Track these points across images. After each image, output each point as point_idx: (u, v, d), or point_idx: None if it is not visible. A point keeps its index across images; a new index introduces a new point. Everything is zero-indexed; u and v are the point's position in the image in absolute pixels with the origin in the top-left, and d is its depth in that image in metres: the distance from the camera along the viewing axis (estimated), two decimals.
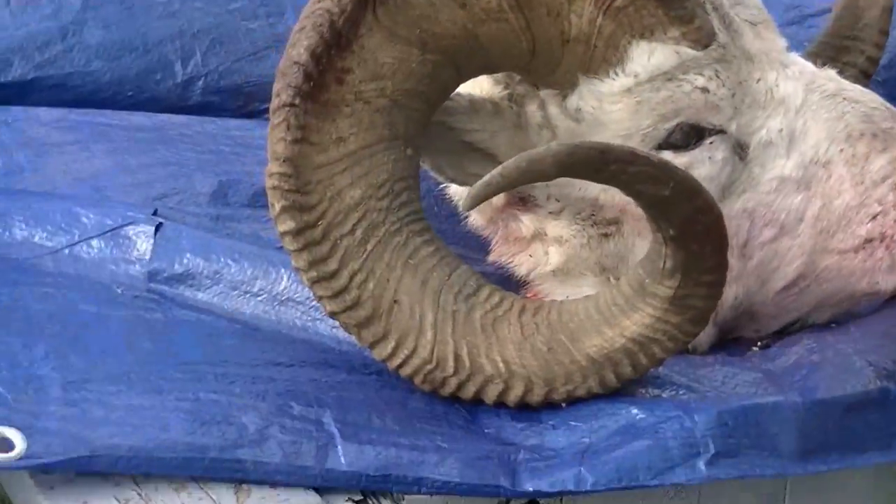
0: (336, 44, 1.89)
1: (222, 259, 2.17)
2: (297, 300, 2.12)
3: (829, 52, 2.51)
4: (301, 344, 2.08)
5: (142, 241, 2.20)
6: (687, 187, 1.82)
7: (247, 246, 2.19)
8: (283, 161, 1.90)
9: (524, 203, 2.22)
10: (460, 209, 2.21)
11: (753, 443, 1.87)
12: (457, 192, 2.35)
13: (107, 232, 2.20)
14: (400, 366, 1.94)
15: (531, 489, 1.86)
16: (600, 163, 1.79)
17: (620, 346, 1.93)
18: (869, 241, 2.12)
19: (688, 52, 2.05)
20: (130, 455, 1.77)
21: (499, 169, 1.79)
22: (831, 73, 2.22)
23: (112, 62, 2.76)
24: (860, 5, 2.55)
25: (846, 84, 2.20)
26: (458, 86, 2.04)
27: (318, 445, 1.84)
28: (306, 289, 1.99)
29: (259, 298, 2.14)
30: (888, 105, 2.17)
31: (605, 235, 2.17)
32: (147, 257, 2.19)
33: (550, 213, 2.20)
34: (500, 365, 1.93)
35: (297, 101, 1.89)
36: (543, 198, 2.20)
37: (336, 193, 1.92)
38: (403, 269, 1.94)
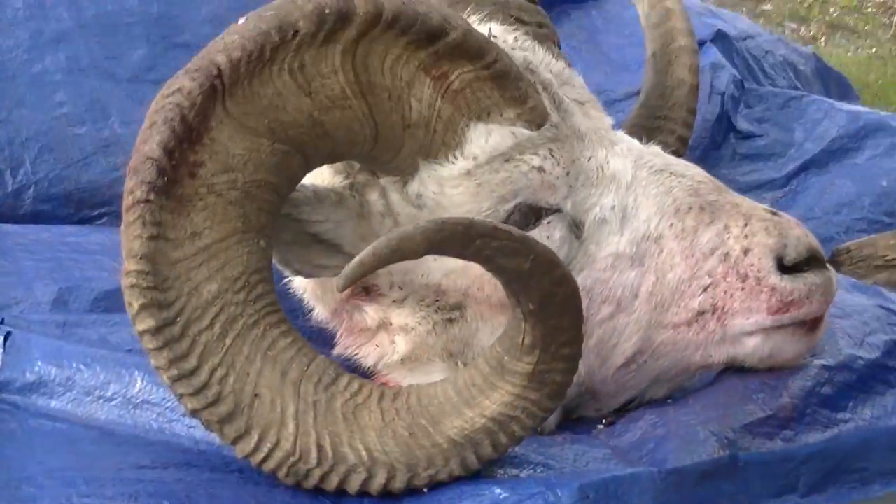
0: (187, 137, 1.90)
1: (74, 365, 2.14)
2: (153, 402, 2.11)
3: (640, 133, 2.58)
4: (160, 446, 2.06)
5: None
6: (546, 260, 1.87)
7: (97, 350, 2.16)
8: (140, 258, 1.89)
9: (368, 293, 2.24)
10: (306, 302, 2.21)
11: None
12: (301, 285, 2.36)
13: None
14: (263, 460, 1.93)
15: None
16: (466, 238, 1.82)
17: (481, 427, 1.95)
18: (701, 313, 2.16)
19: (523, 132, 2.11)
20: None
21: (370, 248, 1.81)
22: (656, 149, 2.30)
23: None
24: (668, 85, 2.67)
25: (671, 159, 2.27)
26: (305, 175, 2.06)
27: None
28: (161, 390, 1.98)
29: (113, 403, 2.11)
30: (712, 178, 2.24)
31: (450, 321, 2.20)
32: None
33: (394, 301, 2.22)
34: (363, 453, 1.93)
35: (151, 197, 1.89)
36: (387, 286, 2.22)
37: (193, 288, 1.91)
38: (263, 361, 1.94)
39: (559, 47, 2.46)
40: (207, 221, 1.93)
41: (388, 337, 2.25)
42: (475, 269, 2.12)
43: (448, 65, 2.04)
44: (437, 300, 2.20)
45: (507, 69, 2.08)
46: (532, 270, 1.86)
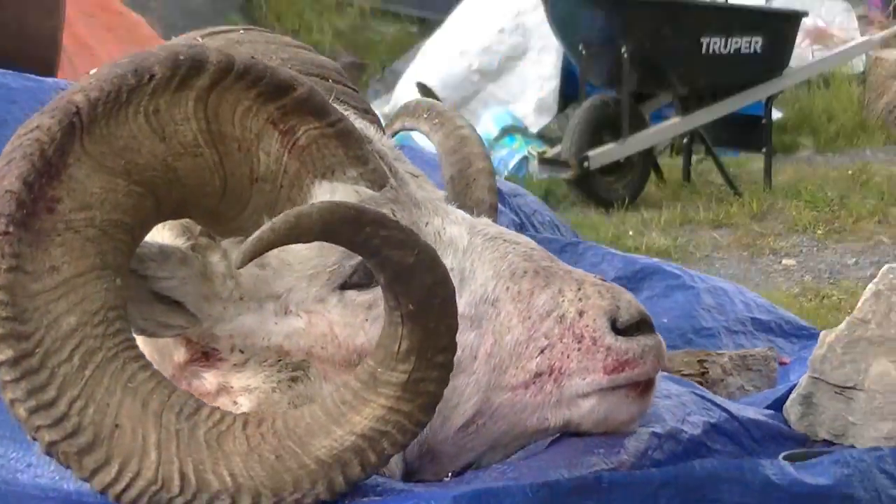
0: (46, 172, 1.93)
1: None
2: None
3: None
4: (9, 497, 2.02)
5: None
6: (429, 256, 1.94)
7: None
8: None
9: (207, 358, 2.24)
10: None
11: None
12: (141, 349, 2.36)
13: None
14: (124, 490, 1.92)
15: None
16: (357, 222, 1.88)
17: (350, 445, 1.97)
18: (539, 374, 2.21)
19: (366, 191, 2.18)
20: None
21: (269, 224, 1.86)
22: (487, 220, 2.40)
23: None
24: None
25: (503, 228, 2.37)
26: (157, 221, 2.10)
27: None
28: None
29: None
30: (542, 248, 2.34)
31: (293, 379, 2.21)
32: None
33: (235, 364, 2.23)
34: (227, 479, 1.94)
35: (10, 230, 1.91)
36: (227, 350, 2.23)
37: (53, 321, 1.92)
38: (123, 393, 1.94)
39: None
40: (66, 256, 1.95)
41: (230, 398, 2.24)
42: (317, 329, 2.20)
43: (295, 120, 2.11)
44: (280, 360, 2.22)
45: (350, 129, 2.18)
46: (416, 265, 1.92)
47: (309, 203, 2.16)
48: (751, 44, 11.27)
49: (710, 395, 2.57)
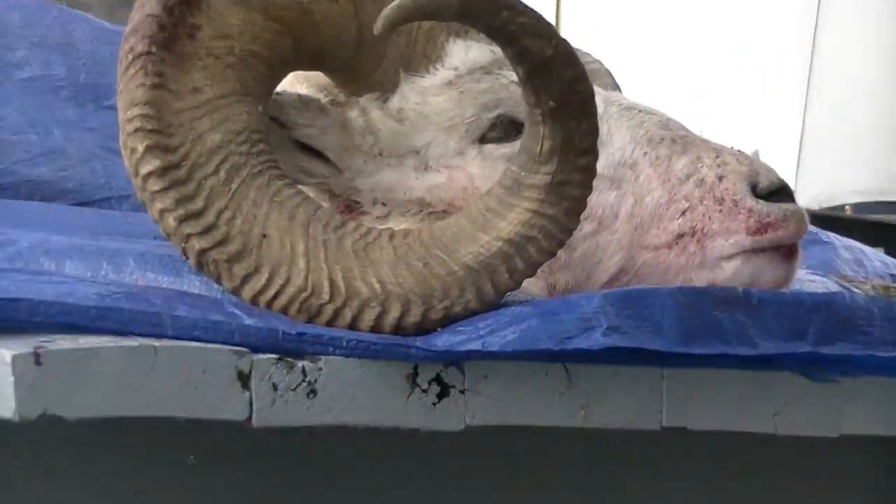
0: (186, 0, 1.97)
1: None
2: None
3: None
4: None
5: None
6: (567, 50, 1.90)
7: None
8: (144, 104, 1.91)
9: (350, 210, 2.24)
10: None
11: (638, 323, 1.90)
12: None
13: None
14: (274, 297, 1.89)
15: (441, 347, 1.83)
16: (495, 5, 1.85)
17: (497, 250, 1.93)
18: (681, 236, 2.18)
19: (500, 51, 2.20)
20: (51, 300, 1.69)
21: None
22: (620, 94, 2.40)
23: None
24: None
25: (637, 101, 2.36)
26: (295, 64, 2.10)
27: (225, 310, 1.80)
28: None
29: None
30: (677, 120, 2.33)
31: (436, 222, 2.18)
32: None
33: (377, 217, 2.22)
34: (376, 286, 1.90)
35: (153, 49, 1.93)
36: (370, 203, 2.23)
37: (197, 136, 1.93)
38: (269, 205, 1.93)
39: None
40: (207, 80, 1.96)
41: None
42: (458, 182, 2.20)
43: None
44: (422, 210, 2.22)
45: None
46: (554, 58, 1.89)
47: (444, 59, 2.18)
48: None
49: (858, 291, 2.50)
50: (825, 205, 12.75)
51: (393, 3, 1.85)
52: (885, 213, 12.38)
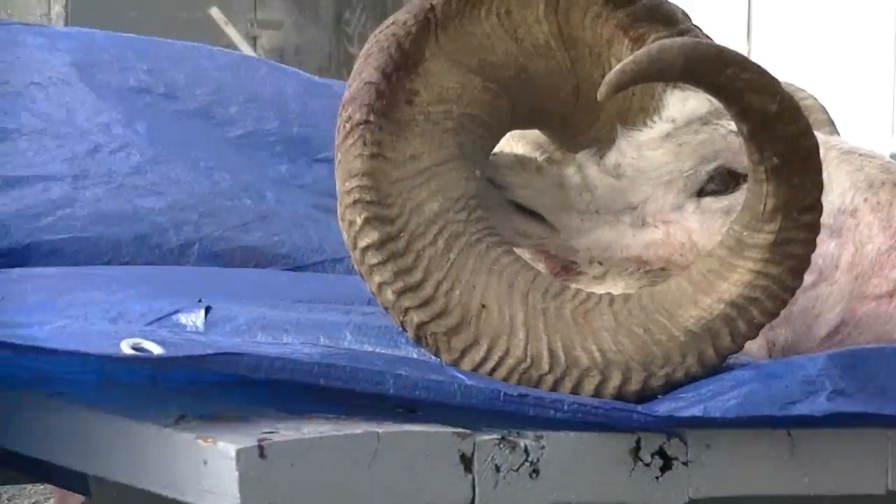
0: (404, 65, 1.96)
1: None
2: None
3: None
4: None
5: None
6: (792, 105, 1.86)
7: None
8: (363, 175, 1.91)
9: (567, 271, 2.22)
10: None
11: (862, 385, 1.87)
12: None
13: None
14: (494, 369, 1.88)
15: (662, 412, 1.81)
16: (720, 62, 1.82)
17: (719, 313, 1.89)
18: None
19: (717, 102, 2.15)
20: (275, 356, 1.69)
21: (631, 56, 1.83)
22: (840, 137, 2.35)
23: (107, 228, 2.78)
24: None
25: (857, 144, 2.31)
26: (511, 124, 2.09)
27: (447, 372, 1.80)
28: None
29: None
30: None
31: (654, 283, 2.15)
32: None
33: (594, 277, 2.20)
34: (596, 354, 1.88)
35: (371, 118, 1.93)
36: (586, 262, 2.20)
37: (415, 206, 1.92)
38: (488, 274, 1.91)
39: None
40: (425, 146, 1.95)
41: None
42: (676, 238, 2.16)
43: (645, 26, 2.11)
44: (639, 268, 2.19)
45: (700, 37, 2.16)
46: (779, 114, 1.85)
47: (661, 111, 2.14)
48: None
49: None
50: None
51: (616, 67, 1.83)
52: None
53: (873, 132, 12.14)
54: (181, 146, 2.94)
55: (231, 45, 11.36)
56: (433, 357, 1.90)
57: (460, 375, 1.81)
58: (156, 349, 1.67)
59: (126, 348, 1.69)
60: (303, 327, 2.01)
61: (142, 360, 1.69)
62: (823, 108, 2.78)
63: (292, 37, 13.05)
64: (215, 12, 12.12)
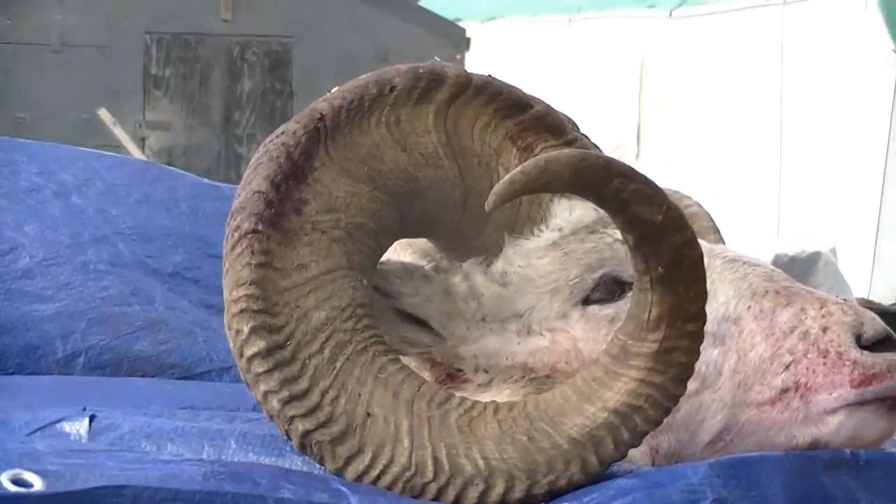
0: (293, 174, 1.97)
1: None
2: None
3: None
4: None
5: None
6: (677, 215, 1.89)
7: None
8: (250, 284, 1.92)
9: (452, 379, 2.22)
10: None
11: (745, 494, 1.88)
12: None
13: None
14: (378, 477, 1.89)
15: None
16: (606, 173, 1.85)
17: (603, 421, 1.91)
18: (784, 391, 2.14)
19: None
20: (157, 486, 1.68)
21: (519, 168, 1.85)
22: (725, 246, 2.38)
23: None
24: None
25: (741, 252, 2.33)
26: (400, 232, 2.11)
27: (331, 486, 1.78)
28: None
29: None
30: (781, 270, 2.30)
31: (540, 389, 2.16)
32: None
33: (479, 385, 2.20)
34: (480, 462, 1.89)
35: (259, 227, 1.94)
36: (472, 370, 2.21)
37: (303, 315, 1.93)
38: (374, 383, 1.93)
39: None
40: (313, 255, 1.97)
41: None
42: (561, 346, 2.18)
43: (533, 136, 2.15)
44: (524, 376, 2.19)
45: (587, 147, 2.20)
46: (664, 225, 1.88)
47: (548, 220, 2.17)
48: None
49: None
50: None
51: (505, 178, 1.86)
52: None
53: (759, 233, 12.39)
54: (71, 248, 2.92)
55: (120, 145, 11.35)
56: (318, 465, 1.90)
57: (345, 490, 1.81)
58: (37, 482, 1.65)
59: (6, 482, 1.68)
60: (187, 436, 2.00)
61: (22, 499, 1.68)
62: (709, 215, 2.82)
63: (181, 137, 13.09)
64: (104, 113, 12.11)
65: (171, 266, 2.99)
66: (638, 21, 15.09)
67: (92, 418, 2.04)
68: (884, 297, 11.88)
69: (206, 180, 3.32)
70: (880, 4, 12.96)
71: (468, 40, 13.26)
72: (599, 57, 15.28)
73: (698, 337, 1.94)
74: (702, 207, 2.79)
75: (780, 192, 13.84)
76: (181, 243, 3.07)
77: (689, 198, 2.72)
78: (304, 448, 1.91)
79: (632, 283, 2.11)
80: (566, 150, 1.91)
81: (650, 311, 1.92)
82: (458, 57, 13.24)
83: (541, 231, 2.18)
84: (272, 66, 13.07)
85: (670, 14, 14.76)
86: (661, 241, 1.89)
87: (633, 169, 1.91)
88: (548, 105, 2.18)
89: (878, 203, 13.05)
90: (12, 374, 2.71)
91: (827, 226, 12.32)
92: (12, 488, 1.66)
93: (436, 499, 1.87)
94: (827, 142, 13.28)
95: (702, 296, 1.93)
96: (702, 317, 1.94)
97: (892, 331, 2.19)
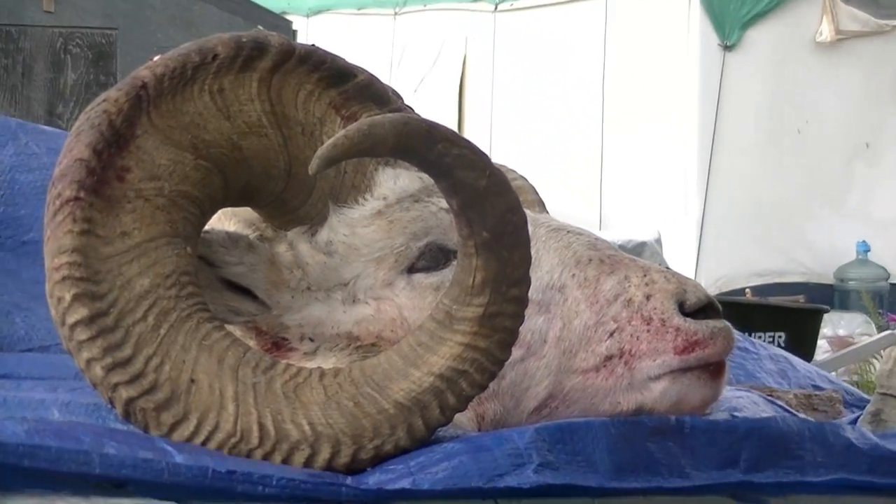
0: (115, 142, 1.95)
1: None
2: None
3: None
4: None
5: None
6: (501, 180, 1.90)
7: None
8: (72, 251, 1.90)
9: (278, 347, 2.21)
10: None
11: (570, 458, 1.91)
12: None
13: None
14: (203, 444, 1.88)
15: (371, 485, 1.83)
16: (429, 138, 1.86)
17: (429, 386, 1.92)
18: (609, 358, 2.17)
19: (428, 178, 2.15)
20: None
21: (343, 131, 1.85)
22: (549, 215, 2.40)
23: None
24: None
25: (565, 222, 2.35)
26: (224, 201, 2.10)
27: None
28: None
29: None
30: (605, 240, 2.33)
31: (365, 357, 2.14)
32: None
33: (305, 353, 2.20)
34: (306, 428, 1.89)
35: (81, 195, 1.92)
36: (297, 339, 2.21)
37: (125, 282, 1.92)
38: (198, 350, 1.92)
39: None
40: (136, 223, 1.95)
41: None
42: (386, 314, 2.20)
43: (357, 106, 2.15)
44: (350, 344, 2.20)
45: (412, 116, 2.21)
46: (488, 189, 1.89)
47: (373, 189, 2.18)
48: (774, 338, 11.33)
49: (781, 402, 2.52)
50: (725, 289, 12.94)
51: (328, 142, 1.86)
52: (784, 294, 12.57)
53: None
54: None
55: None
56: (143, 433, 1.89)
57: (170, 449, 1.80)
58: None
59: None
60: (9, 405, 1.97)
61: None
62: (534, 188, 2.84)
63: None
64: None
65: None
66: (463, 14, 15.21)
67: None
68: (708, 289, 12.16)
69: (33, 146, 3.19)
70: (703, 2, 13.29)
71: (294, 33, 13.18)
72: (425, 50, 15.37)
73: (523, 301, 1.96)
74: (526, 181, 2.82)
75: (601, 187, 14.07)
76: None
77: (514, 171, 2.75)
78: (128, 415, 1.89)
79: (456, 252, 2.12)
80: (389, 115, 1.90)
81: (475, 276, 1.93)
82: None
83: (365, 200, 2.19)
84: (96, 57, 12.78)
85: (496, 7, 14.92)
86: (485, 206, 1.90)
87: (456, 134, 1.92)
88: (372, 75, 2.18)
89: (703, 196, 13.37)
90: None
91: (650, 220, 12.55)
92: None
93: None
94: (649, 136, 13.55)
95: (526, 260, 1.95)
96: (526, 281, 1.96)
97: (713, 298, 2.24)
